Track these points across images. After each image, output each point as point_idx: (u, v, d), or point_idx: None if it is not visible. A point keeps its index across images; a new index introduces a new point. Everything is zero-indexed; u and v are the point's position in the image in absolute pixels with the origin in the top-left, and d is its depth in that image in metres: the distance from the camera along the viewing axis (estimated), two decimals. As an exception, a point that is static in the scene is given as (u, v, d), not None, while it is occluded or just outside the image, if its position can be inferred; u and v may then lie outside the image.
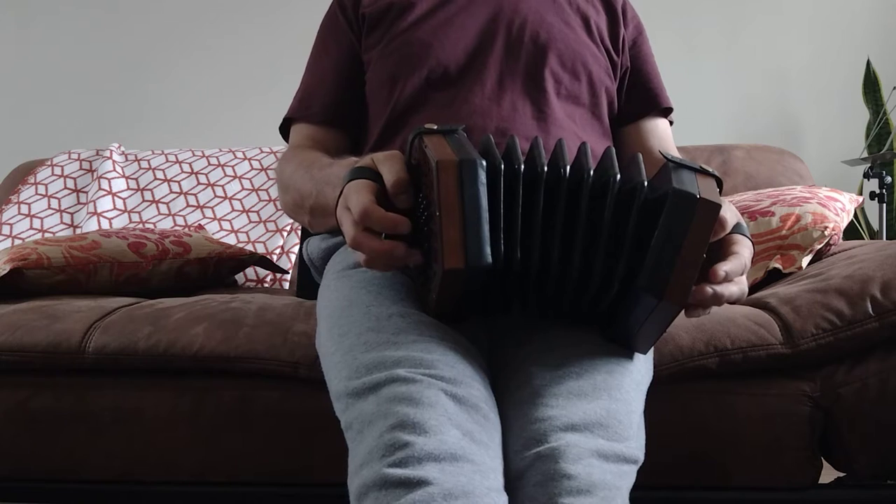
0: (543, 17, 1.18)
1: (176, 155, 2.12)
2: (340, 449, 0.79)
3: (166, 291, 1.47)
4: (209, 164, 2.09)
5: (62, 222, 1.98)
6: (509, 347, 0.89)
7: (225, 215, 1.98)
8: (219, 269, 1.65)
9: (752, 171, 1.85)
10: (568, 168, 0.78)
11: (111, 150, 2.12)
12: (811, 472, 1.06)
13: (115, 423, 1.12)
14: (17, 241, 1.88)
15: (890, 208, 2.62)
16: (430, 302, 0.82)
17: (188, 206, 2.00)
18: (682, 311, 0.79)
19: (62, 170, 2.09)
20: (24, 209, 1.98)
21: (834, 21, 2.93)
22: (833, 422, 1.06)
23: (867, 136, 2.75)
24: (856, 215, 2.62)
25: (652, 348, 0.97)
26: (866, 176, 2.46)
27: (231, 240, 1.92)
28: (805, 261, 1.30)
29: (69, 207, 2.01)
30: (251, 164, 2.09)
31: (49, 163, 2.12)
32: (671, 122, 1.29)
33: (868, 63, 2.76)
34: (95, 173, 2.06)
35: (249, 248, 1.88)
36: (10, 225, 1.94)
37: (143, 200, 2.02)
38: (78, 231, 1.94)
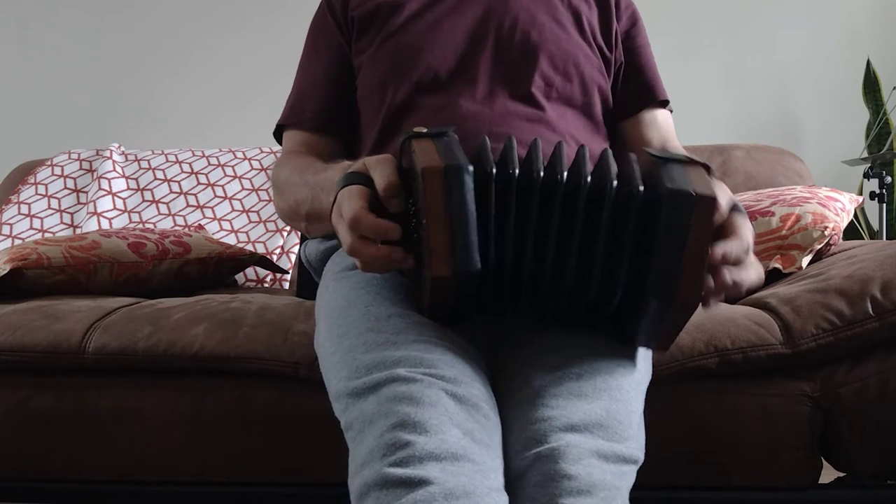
0: (535, 16, 1.17)
1: (176, 155, 2.12)
2: (340, 449, 0.79)
3: (166, 291, 1.47)
4: (209, 164, 2.09)
5: (62, 222, 1.98)
6: (509, 348, 0.89)
7: (225, 215, 1.98)
8: (219, 269, 1.65)
9: (752, 171, 1.85)
10: (565, 174, 0.77)
11: (111, 150, 2.12)
12: (811, 472, 1.07)
13: (115, 423, 1.12)
14: (17, 241, 1.88)
15: (890, 208, 2.62)
16: (423, 306, 0.82)
17: (188, 206, 2.00)
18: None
19: (62, 170, 2.09)
20: (24, 209, 1.98)
21: (834, 21, 2.93)
22: (833, 422, 1.06)
23: (867, 136, 2.75)
24: (856, 215, 2.62)
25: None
26: (866, 176, 2.46)
27: (231, 240, 1.91)
28: (805, 261, 1.30)
29: (69, 207, 2.01)
30: (251, 164, 2.09)
31: (49, 163, 2.12)
32: (671, 111, 1.26)
33: (868, 63, 2.76)
34: (95, 173, 2.06)
35: (249, 248, 1.88)
36: (10, 225, 1.94)
37: (143, 200, 2.02)
38: (78, 231, 1.93)
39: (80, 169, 2.10)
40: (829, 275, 1.14)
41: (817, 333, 1.05)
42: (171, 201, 2.01)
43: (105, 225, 1.94)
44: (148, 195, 2.03)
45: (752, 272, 0.81)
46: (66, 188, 2.05)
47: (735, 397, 1.06)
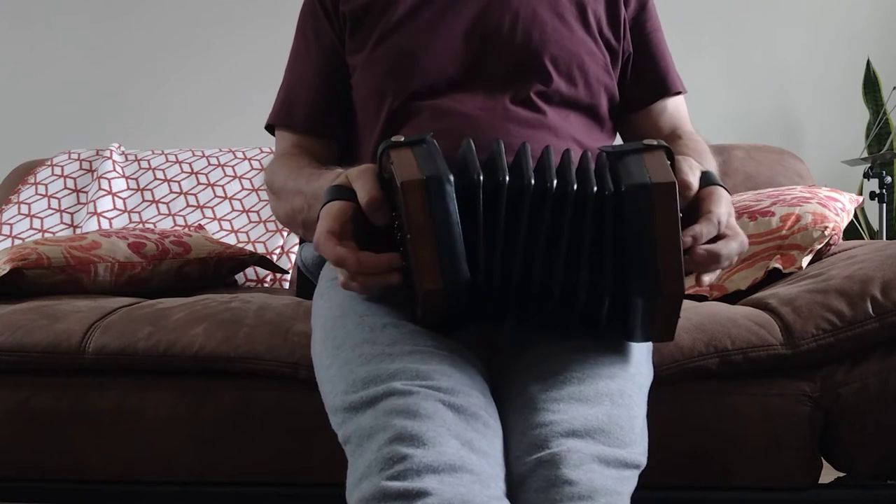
0: (536, 12, 1.10)
1: (176, 155, 2.12)
2: (340, 449, 0.79)
3: (166, 291, 1.47)
4: (209, 164, 2.09)
5: (62, 222, 1.98)
6: (509, 352, 0.88)
7: (225, 215, 1.98)
8: (219, 269, 1.65)
9: (752, 171, 1.85)
10: (555, 182, 0.76)
11: (111, 150, 2.12)
12: (811, 472, 1.06)
13: (115, 423, 1.12)
14: (17, 241, 1.88)
15: (890, 208, 2.62)
16: (416, 316, 0.81)
17: (188, 206, 2.00)
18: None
19: (62, 170, 2.09)
20: (24, 209, 1.98)
21: (834, 21, 2.93)
22: (833, 422, 1.06)
23: (867, 136, 2.75)
24: (856, 215, 2.62)
25: (651, 349, 0.97)
26: (866, 176, 2.46)
27: (231, 240, 1.91)
28: (805, 261, 1.30)
29: (69, 207, 2.01)
30: (251, 164, 2.09)
31: (49, 163, 2.12)
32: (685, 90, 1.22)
33: (868, 63, 2.76)
34: (95, 173, 2.06)
35: (249, 248, 1.88)
36: (10, 225, 1.94)
37: (143, 200, 2.02)
38: (78, 231, 1.93)
39: (80, 169, 2.10)
40: (830, 275, 1.14)
41: (818, 334, 1.05)
42: (171, 201, 2.01)
43: (105, 225, 1.94)
44: (148, 195, 2.03)
45: (731, 243, 0.81)
46: (66, 188, 2.05)
47: (735, 397, 1.06)
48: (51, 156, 2.17)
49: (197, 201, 2.00)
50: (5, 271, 1.32)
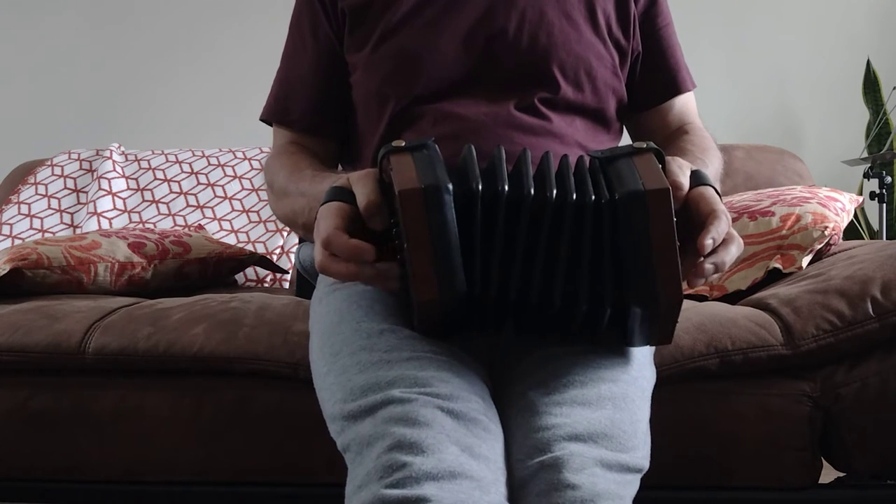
0: (543, 12, 1.06)
1: (176, 155, 2.12)
2: (340, 449, 0.79)
3: (166, 291, 1.47)
4: (209, 164, 2.09)
5: (62, 222, 1.98)
6: (511, 356, 0.88)
7: (225, 215, 1.98)
8: (219, 269, 1.65)
9: (752, 171, 1.85)
10: (554, 191, 0.75)
11: (111, 150, 2.12)
12: (811, 472, 1.06)
13: (115, 423, 1.12)
14: (17, 241, 1.88)
15: (890, 208, 2.62)
16: (414, 323, 0.81)
17: (188, 206, 2.00)
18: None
19: (62, 170, 2.09)
20: (24, 209, 1.98)
21: (834, 21, 2.93)
22: (833, 422, 1.06)
23: (867, 136, 2.75)
24: (856, 215, 2.62)
25: (653, 350, 0.97)
26: (866, 176, 2.46)
27: (231, 240, 1.91)
28: (805, 261, 1.30)
29: (69, 207, 2.01)
30: (251, 164, 2.09)
31: (49, 163, 2.12)
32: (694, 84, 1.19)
33: (868, 63, 2.76)
34: (95, 173, 2.06)
35: (249, 248, 1.88)
36: (10, 225, 1.94)
37: (143, 200, 2.02)
38: (78, 231, 1.93)
39: (80, 169, 2.10)
40: (830, 275, 1.14)
41: (818, 334, 1.05)
42: (171, 201, 2.01)
43: (105, 225, 1.94)
44: (148, 195, 2.03)
45: (731, 248, 0.80)
46: (66, 188, 2.05)
47: (735, 398, 1.06)
48: (51, 156, 2.17)
49: (197, 201, 2.00)
50: (5, 271, 1.32)
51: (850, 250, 1.30)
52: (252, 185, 2.04)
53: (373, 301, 0.88)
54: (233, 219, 1.97)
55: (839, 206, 1.40)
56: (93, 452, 1.13)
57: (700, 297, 1.32)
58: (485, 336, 0.89)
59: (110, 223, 1.95)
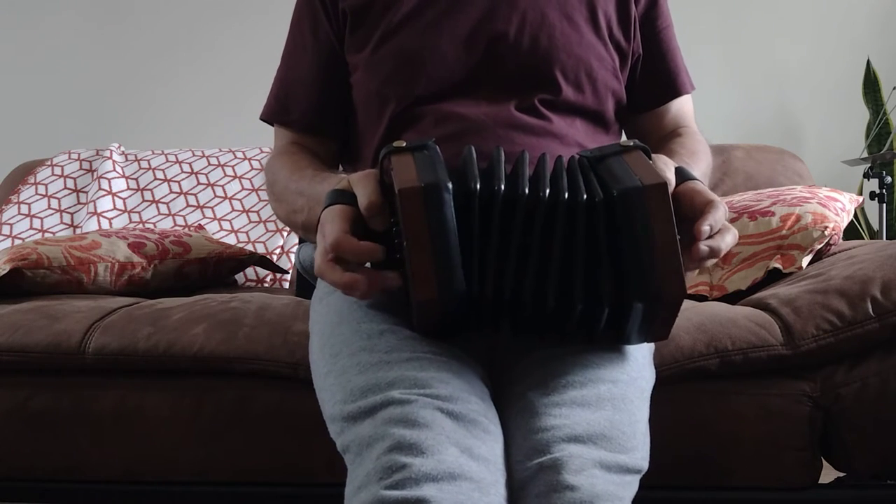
0: (544, 14, 1.06)
1: (176, 155, 2.13)
2: (340, 449, 0.79)
3: (166, 291, 1.47)
4: (209, 164, 2.09)
5: (62, 222, 1.98)
6: (511, 357, 0.88)
7: (225, 215, 1.98)
8: (219, 269, 1.65)
9: (752, 171, 1.85)
10: (548, 191, 0.75)
11: (111, 150, 2.12)
12: (811, 472, 1.06)
13: (115, 423, 1.12)
14: (17, 241, 1.88)
15: (890, 208, 2.62)
16: (413, 323, 0.81)
17: (188, 206, 2.00)
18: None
19: (62, 170, 2.09)
20: (24, 209, 1.98)
21: (834, 21, 2.93)
22: (833, 422, 1.06)
23: (867, 136, 2.75)
24: (856, 215, 2.62)
25: (653, 351, 0.97)
26: (866, 176, 2.46)
27: (231, 240, 1.92)
28: (805, 261, 1.30)
29: (69, 207, 2.01)
30: (251, 164, 2.09)
31: (49, 163, 2.12)
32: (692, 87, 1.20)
33: (868, 63, 2.76)
34: (95, 173, 2.06)
35: (249, 248, 1.88)
36: (10, 225, 1.94)
37: (143, 200, 2.02)
38: (78, 231, 1.93)
39: (80, 169, 2.10)
40: (830, 275, 1.14)
41: (818, 334, 1.05)
42: (171, 201, 2.01)
43: (105, 225, 1.94)
44: (148, 195, 2.03)
45: (727, 236, 0.80)
46: (66, 188, 2.05)
47: (735, 398, 1.06)
48: (51, 156, 2.17)
49: (197, 201, 2.00)
50: (5, 271, 1.32)
51: (850, 250, 1.30)
52: (252, 185, 2.04)
53: (373, 302, 0.88)
54: (233, 219, 1.98)
55: (839, 206, 1.40)
56: (93, 452, 1.13)
57: (700, 297, 1.32)
58: (484, 336, 0.89)
59: (110, 223, 1.95)
